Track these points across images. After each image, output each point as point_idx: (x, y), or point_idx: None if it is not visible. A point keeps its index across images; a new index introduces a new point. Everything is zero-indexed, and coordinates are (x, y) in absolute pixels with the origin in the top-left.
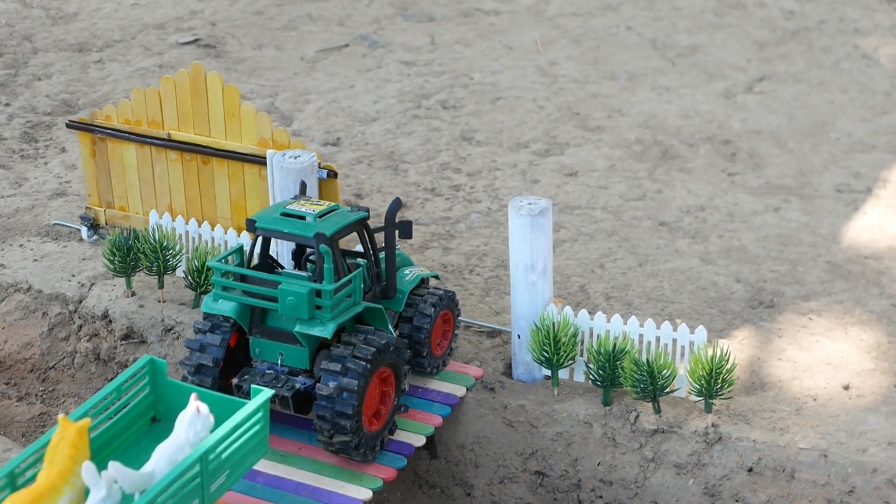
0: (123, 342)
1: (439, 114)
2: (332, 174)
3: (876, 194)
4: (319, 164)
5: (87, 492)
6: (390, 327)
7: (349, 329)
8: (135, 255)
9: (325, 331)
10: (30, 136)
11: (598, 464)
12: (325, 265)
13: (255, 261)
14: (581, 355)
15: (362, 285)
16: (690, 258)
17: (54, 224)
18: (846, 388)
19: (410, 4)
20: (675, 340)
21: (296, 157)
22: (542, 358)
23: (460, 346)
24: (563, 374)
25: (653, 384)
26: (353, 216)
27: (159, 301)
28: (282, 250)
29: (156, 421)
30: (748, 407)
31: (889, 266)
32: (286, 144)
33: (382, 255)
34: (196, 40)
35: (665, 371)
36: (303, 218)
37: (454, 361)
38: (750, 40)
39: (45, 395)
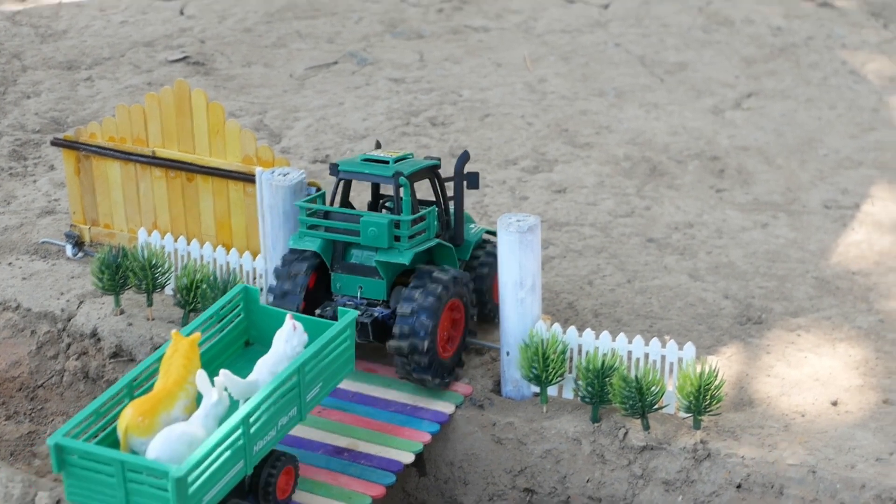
0: (112, 360)
1: (428, 131)
2: (317, 191)
3: (863, 210)
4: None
5: (199, 398)
6: (458, 267)
7: (421, 266)
8: (123, 273)
9: (403, 258)
10: (19, 153)
11: (587, 480)
12: (403, 199)
13: (337, 203)
14: (570, 372)
15: (435, 223)
16: (679, 274)
17: (43, 242)
18: (834, 404)
19: (399, 22)
20: (663, 357)
21: (285, 175)
22: (531, 375)
23: None
24: (551, 390)
25: (641, 401)
26: (427, 163)
27: (148, 319)
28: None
29: (249, 345)
30: (737, 423)
31: (877, 282)
32: (271, 161)
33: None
34: (185, 58)
35: (654, 387)
36: (383, 162)
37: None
38: (738, 57)
39: (33, 414)
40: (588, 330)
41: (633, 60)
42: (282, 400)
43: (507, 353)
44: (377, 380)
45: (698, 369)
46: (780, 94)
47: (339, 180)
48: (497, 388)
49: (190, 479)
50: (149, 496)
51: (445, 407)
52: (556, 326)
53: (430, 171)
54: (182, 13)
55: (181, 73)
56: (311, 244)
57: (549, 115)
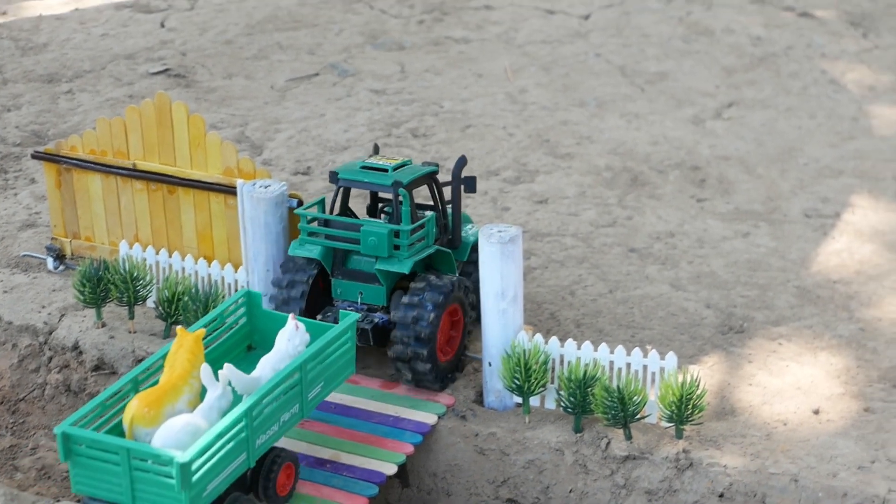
0: (94, 373)
1: (409, 142)
2: (300, 203)
3: (844, 219)
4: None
5: (202, 395)
6: (456, 272)
7: (420, 273)
8: (105, 286)
9: (402, 266)
10: None
11: (570, 491)
12: (402, 208)
13: (337, 210)
14: (552, 382)
15: (434, 230)
16: (661, 284)
17: (24, 255)
18: (816, 412)
19: (380, 33)
20: (645, 367)
21: (266, 187)
22: (514, 385)
23: None
24: (534, 401)
25: (623, 411)
26: (425, 169)
27: (130, 332)
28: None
29: (251, 349)
30: (719, 432)
31: (858, 290)
32: (252, 173)
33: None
34: (166, 70)
35: (636, 397)
36: (381, 170)
37: (424, 390)
38: (718, 66)
39: (15, 427)
40: (570, 340)
41: (614, 70)
42: (284, 396)
43: (490, 364)
44: (360, 391)
45: (680, 379)
46: (760, 103)
47: (339, 188)
48: (479, 399)
49: (195, 466)
50: (154, 483)
51: (428, 418)
52: (538, 337)
53: (429, 178)
54: (163, 26)
55: (162, 86)
56: (312, 251)
57: (530, 126)
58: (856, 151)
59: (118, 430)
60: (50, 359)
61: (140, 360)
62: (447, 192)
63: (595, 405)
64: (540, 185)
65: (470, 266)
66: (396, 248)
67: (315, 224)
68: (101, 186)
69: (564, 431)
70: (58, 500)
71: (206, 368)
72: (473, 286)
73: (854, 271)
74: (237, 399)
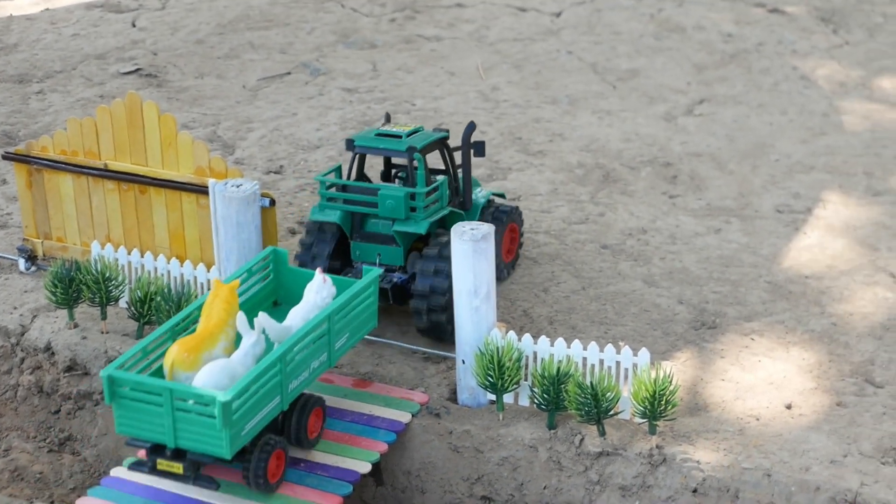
0: (66, 374)
1: None
2: (271, 202)
3: (815, 214)
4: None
5: (237, 341)
6: None
7: (433, 237)
8: (77, 287)
9: (419, 227)
10: None
11: (544, 487)
12: (417, 172)
13: (353, 177)
14: (525, 379)
15: (446, 192)
16: (633, 281)
17: None
18: (788, 407)
19: (352, 32)
20: (618, 363)
21: (238, 186)
22: (487, 383)
23: (404, 372)
24: (507, 398)
25: (597, 407)
26: (437, 135)
27: (102, 332)
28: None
29: (277, 305)
30: (692, 428)
31: (829, 285)
32: (223, 172)
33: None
34: (137, 70)
35: (609, 394)
36: (396, 136)
37: (398, 388)
38: (689, 63)
39: None
40: (543, 337)
41: (586, 68)
42: (313, 345)
43: (463, 362)
44: (333, 390)
45: (653, 375)
46: (731, 99)
47: (355, 155)
48: (453, 397)
49: (235, 405)
50: (196, 423)
51: (402, 416)
52: (512, 334)
53: (440, 143)
54: (134, 25)
55: (133, 86)
56: (332, 216)
57: (502, 124)
58: (827, 147)
59: (159, 375)
60: (22, 360)
61: (112, 360)
62: (458, 159)
63: (568, 402)
64: (512, 182)
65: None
66: (413, 210)
67: (333, 190)
68: (73, 187)
69: (538, 428)
70: (31, 502)
71: (241, 317)
72: None
73: (825, 266)
74: (269, 347)
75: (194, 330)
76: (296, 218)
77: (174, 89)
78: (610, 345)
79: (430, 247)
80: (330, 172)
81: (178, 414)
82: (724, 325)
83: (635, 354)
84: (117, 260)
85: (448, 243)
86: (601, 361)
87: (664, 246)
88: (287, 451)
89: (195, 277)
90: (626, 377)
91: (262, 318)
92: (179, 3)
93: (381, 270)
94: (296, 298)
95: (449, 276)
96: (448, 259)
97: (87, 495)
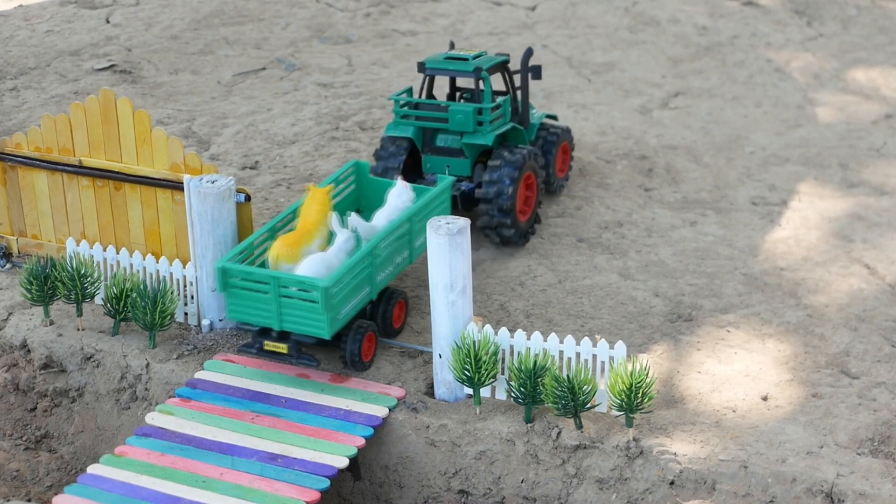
0: (43, 371)
1: (357, 135)
2: (247, 197)
3: (791, 206)
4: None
5: (330, 238)
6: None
7: (496, 150)
8: (52, 284)
9: (486, 139)
10: None
11: (522, 481)
12: (483, 90)
13: (424, 96)
14: (502, 373)
15: (508, 109)
16: (609, 274)
17: None
18: (764, 399)
19: (327, 27)
20: (594, 356)
21: (213, 182)
22: (464, 377)
23: (381, 366)
24: (484, 392)
25: (574, 400)
26: (499, 59)
27: (78, 329)
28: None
29: (359, 213)
30: (668, 420)
31: (805, 277)
32: (199, 169)
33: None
34: (112, 66)
35: (586, 387)
36: (463, 59)
37: (375, 382)
38: (664, 56)
39: None
40: (520, 331)
41: (561, 61)
42: (397, 242)
43: (440, 356)
44: (310, 385)
45: (629, 368)
46: (706, 92)
47: (426, 76)
48: (430, 391)
49: (333, 290)
50: (299, 307)
51: (379, 410)
52: (488, 328)
53: (502, 66)
54: (108, 21)
55: (108, 82)
56: (405, 131)
57: None
58: (801, 139)
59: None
60: None
61: (90, 358)
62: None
63: (545, 395)
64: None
65: (536, 144)
66: (479, 124)
67: (406, 108)
68: (47, 184)
69: (515, 422)
70: (8, 500)
71: (334, 216)
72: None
73: (801, 258)
74: (358, 245)
75: (293, 229)
76: (271, 213)
77: (149, 85)
78: (586, 338)
79: (493, 158)
80: (403, 93)
81: (283, 300)
82: (700, 318)
83: (612, 347)
84: (93, 257)
85: (514, 152)
86: (577, 355)
87: (640, 239)
88: (377, 334)
89: (171, 274)
90: (602, 370)
91: (354, 217)
92: None
93: (453, 178)
94: (376, 206)
95: (513, 182)
96: (512, 165)
97: (64, 493)
